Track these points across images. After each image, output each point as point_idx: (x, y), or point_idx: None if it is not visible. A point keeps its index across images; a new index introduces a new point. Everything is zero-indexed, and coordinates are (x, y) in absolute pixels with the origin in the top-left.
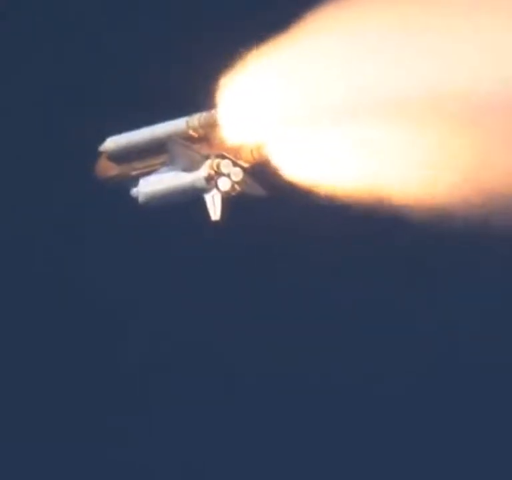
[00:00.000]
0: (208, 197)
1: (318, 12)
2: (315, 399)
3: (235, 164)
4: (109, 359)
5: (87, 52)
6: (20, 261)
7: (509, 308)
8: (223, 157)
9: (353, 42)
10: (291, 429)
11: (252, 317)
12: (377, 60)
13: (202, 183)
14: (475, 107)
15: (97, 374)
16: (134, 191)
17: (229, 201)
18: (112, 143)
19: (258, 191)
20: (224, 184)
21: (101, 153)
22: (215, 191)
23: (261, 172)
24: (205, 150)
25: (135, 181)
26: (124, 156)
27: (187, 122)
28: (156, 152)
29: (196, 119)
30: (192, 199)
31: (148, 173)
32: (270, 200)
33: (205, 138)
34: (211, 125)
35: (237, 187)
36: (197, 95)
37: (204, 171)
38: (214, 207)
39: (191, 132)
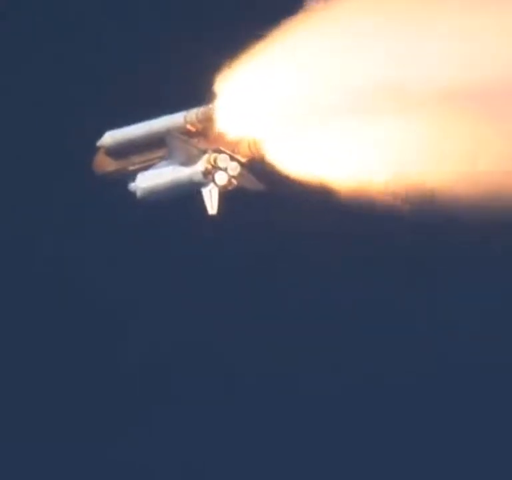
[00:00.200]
0: (205, 191)
1: (315, 8)
2: (315, 399)
3: (232, 158)
4: (108, 358)
5: (86, 47)
6: (18, 257)
7: (509, 308)
8: (220, 152)
9: (350, 37)
10: (290, 429)
11: (250, 312)
12: (375, 55)
13: (199, 177)
14: (475, 100)
15: (97, 374)
16: (132, 186)
17: (226, 195)
18: (110, 137)
19: (255, 185)
20: (221, 178)
21: (98, 148)
22: (212, 185)
23: (258, 166)
24: (202, 144)
25: (132, 175)
26: (122, 151)
27: (185, 116)
28: (154, 146)
29: (194, 114)
30: (189, 193)
31: (146, 168)
32: (267, 194)
33: (202, 132)
34: (209, 120)
35: (234, 181)
36: (194, 89)
37: (201, 165)
38: (211, 201)
39: (188, 126)
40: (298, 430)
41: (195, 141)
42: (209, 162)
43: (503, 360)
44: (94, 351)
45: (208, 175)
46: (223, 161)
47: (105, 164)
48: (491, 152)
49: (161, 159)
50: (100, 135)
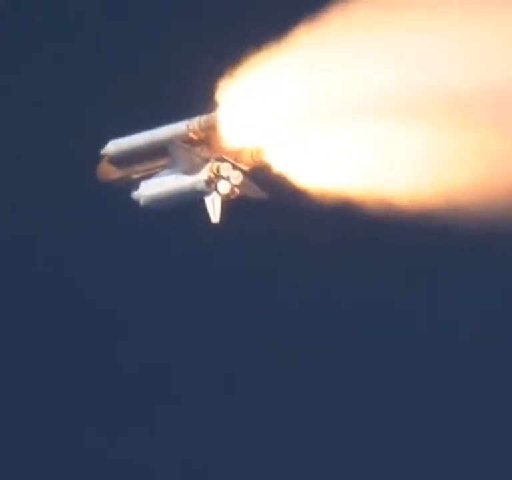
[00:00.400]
0: (208, 200)
1: (318, 16)
2: (315, 399)
3: (234, 167)
4: (108, 358)
5: (86, 47)
6: (22, 262)
7: (509, 308)
8: (223, 160)
9: (353, 45)
10: (290, 429)
11: (252, 318)
12: (377, 62)
13: (202, 186)
14: (480, 106)
15: (98, 374)
16: (135, 194)
17: (229, 204)
18: (113, 146)
19: (258, 193)
20: (224, 187)
21: (102, 157)
22: (214, 193)
23: (260, 175)
24: (205, 153)
25: (136, 184)
26: (125, 159)
27: (188, 125)
28: (157, 155)
29: (196, 122)
30: (192, 201)
31: (149, 176)
32: (270, 203)
33: (205, 141)
34: (211, 128)
35: (236, 190)
36: (197, 98)
37: (204, 173)
38: (214, 210)
39: (191, 135)
40: (298, 430)
41: (198, 149)
42: (211, 170)
43: (503, 360)
44: (94, 351)
45: (211, 183)
46: (225, 169)
47: (109, 172)
48: (493, 159)
49: (164, 167)
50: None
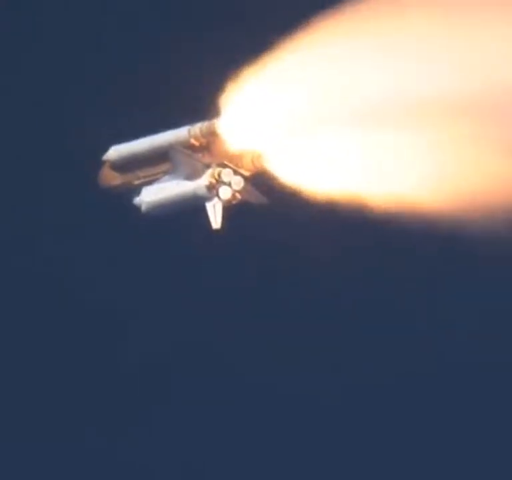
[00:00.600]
0: (209, 206)
1: (318, 22)
2: (315, 399)
3: (235, 173)
4: (108, 358)
5: (86, 47)
6: (24, 268)
7: (509, 308)
8: (224, 166)
9: (354, 51)
10: (290, 429)
11: (252, 318)
12: (377, 68)
13: (203, 192)
14: (479, 112)
15: (98, 374)
16: (137, 200)
17: (230, 209)
18: (115, 152)
19: (259, 199)
20: (225, 192)
21: (104, 162)
22: (216, 199)
23: (261, 180)
24: (206, 159)
25: (137, 190)
26: (127, 165)
27: (189, 131)
28: (158, 161)
29: (198, 128)
30: (193, 207)
31: (150, 182)
32: (271, 208)
33: (206, 147)
34: (213, 134)
35: (237, 195)
36: (198, 104)
37: (205, 179)
38: (215, 215)
39: (192, 141)
40: (298, 430)
41: (199, 155)
42: (212, 176)
43: (503, 360)
44: (94, 351)
45: (212, 189)
46: (226, 175)
47: (111, 178)
48: (494, 163)
49: (166, 173)
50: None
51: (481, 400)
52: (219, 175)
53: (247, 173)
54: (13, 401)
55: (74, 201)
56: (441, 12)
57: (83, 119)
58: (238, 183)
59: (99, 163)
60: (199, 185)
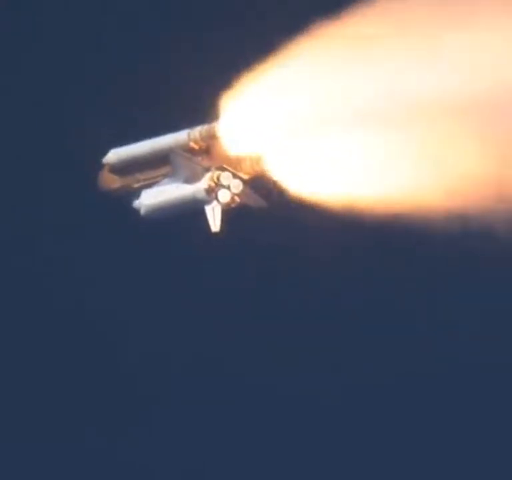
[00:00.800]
0: (208, 209)
1: (317, 27)
2: (315, 399)
3: (235, 176)
4: (108, 358)
5: (86, 47)
6: (23, 273)
7: (509, 308)
8: (224, 169)
9: (354, 53)
10: (290, 429)
11: (252, 318)
12: (376, 71)
13: (202, 195)
14: (480, 113)
15: (98, 374)
16: (136, 203)
17: (229, 213)
18: (114, 155)
19: (258, 202)
20: (224, 196)
21: (103, 165)
22: (215, 202)
23: (260, 184)
24: (205, 162)
25: (137, 193)
26: (126, 168)
27: (189, 134)
28: (158, 164)
29: (197, 132)
30: (193, 210)
31: (150, 185)
32: (270, 212)
33: (206, 150)
34: (212, 138)
35: (236, 198)
36: (198, 107)
37: (204, 182)
38: (214, 219)
39: (192, 144)
40: (298, 430)
41: (199, 158)
42: (212, 179)
43: (503, 360)
44: (94, 351)
45: (211, 192)
46: (225, 178)
47: (110, 181)
48: (492, 164)
49: (165, 176)
50: (105, 152)
51: (481, 400)
52: (218, 178)
53: (246, 177)
54: (13, 401)
55: (73, 203)
56: (443, 13)
57: (83, 119)
58: (237, 186)
59: (99, 163)
60: (198, 188)
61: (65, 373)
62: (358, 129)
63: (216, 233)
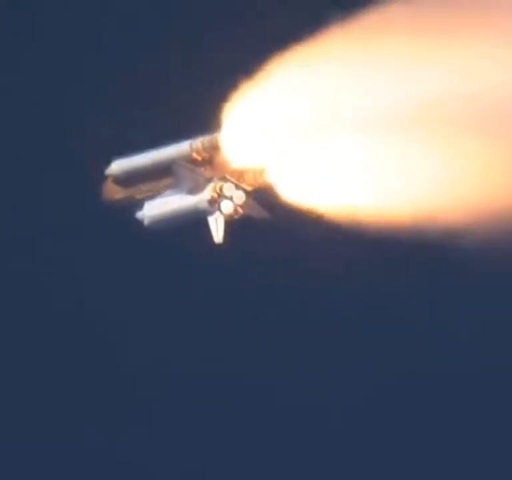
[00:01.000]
0: (211, 220)
1: (318, 35)
2: (315, 399)
3: (237, 187)
4: (108, 358)
5: (86, 47)
6: (24, 280)
7: (509, 310)
8: (226, 180)
9: (356, 63)
10: (290, 429)
11: (252, 319)
12: (382, 81)
13: (205, 206)
14: (484, 120)
15: (98, 374)
16: (139, 214)
17: (232, 224)
18: (117, 166)
19: (261, 213)
20: (227, 207)
21: (106, 176)
22: (218, 213)
23: (263, 195)
24: (208, 173)
25: (140, 204)
26: (129, 179)
27: (191, 145)
28: (161, 175)
29: (199, 142)
30: (195, 221)
31: (153, 196)
32: (273, 223)
33: (208, 161)
34: (215, 148)
35: (239, 209)
36: (200, 118)
37: (207, 193)
38: (217, 230)
39: (194, 155)
40: (298, 430)
41: (201, 169)
42: (214, 190)
43: (503, 360)
44: (94, 351)
45: (214, 203)
46: (228, 189)
47: (113, 192)
48: (495, 173)
49: (168, 187)
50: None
51: (481, 400)
52: (221, 189)
53: (248, 188)
54: (13, 401)
55: (75, 215)
56: (446, 17)
57: (83, 119)
58: (240, 197)
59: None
60: (200, 199)
61: (65, 373)
62: (362, 139)
63: (219, 244)
